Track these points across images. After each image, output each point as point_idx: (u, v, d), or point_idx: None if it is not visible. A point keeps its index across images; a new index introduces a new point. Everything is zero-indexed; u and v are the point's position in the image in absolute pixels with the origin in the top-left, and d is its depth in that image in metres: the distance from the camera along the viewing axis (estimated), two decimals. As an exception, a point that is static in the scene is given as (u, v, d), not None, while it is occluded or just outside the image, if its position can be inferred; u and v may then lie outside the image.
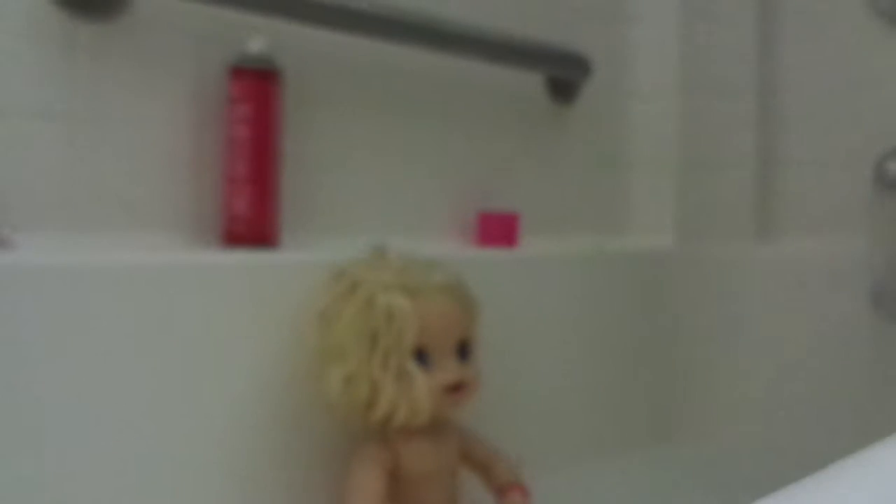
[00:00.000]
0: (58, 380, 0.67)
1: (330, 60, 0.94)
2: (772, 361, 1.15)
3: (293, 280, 0.80)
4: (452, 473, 0.78)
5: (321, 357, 0.75)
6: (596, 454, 1.06)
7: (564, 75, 1.17)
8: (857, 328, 1.08)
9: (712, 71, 1.23)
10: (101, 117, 0.79)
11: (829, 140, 1.15)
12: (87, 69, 0.78)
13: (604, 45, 1.24)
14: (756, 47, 1.19)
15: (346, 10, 0.88)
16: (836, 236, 1.13)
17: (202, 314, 0.75)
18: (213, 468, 0.75)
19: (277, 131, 0.84)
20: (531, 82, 1.16)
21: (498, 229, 1.05)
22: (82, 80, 0.78)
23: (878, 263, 1.06)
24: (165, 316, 0.73)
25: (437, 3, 1.02)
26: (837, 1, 1.14)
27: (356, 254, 0.80)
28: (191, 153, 0.84)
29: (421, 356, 0.73)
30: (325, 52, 0.94)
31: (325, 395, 0.75)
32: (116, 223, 0.80)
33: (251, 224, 0.82)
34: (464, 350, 0.76)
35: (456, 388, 0.74)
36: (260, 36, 0.84)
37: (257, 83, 0.82)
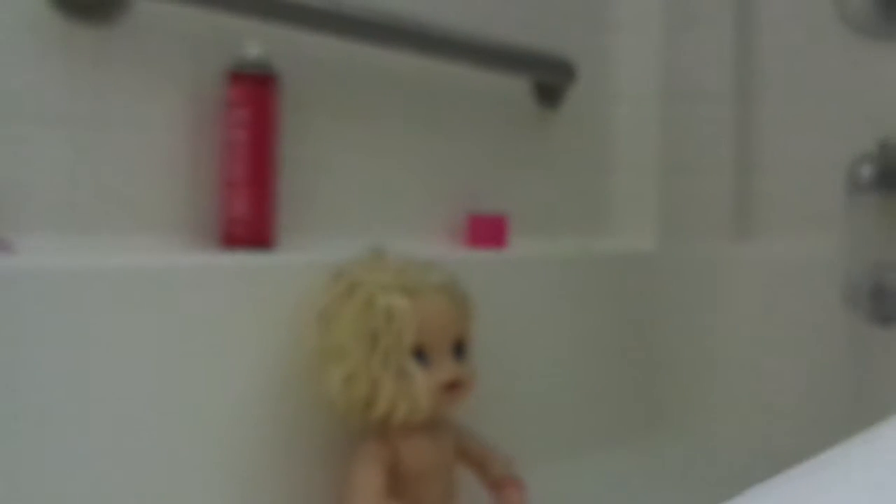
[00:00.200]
0: (58, 381, 0.67)
1: (324, 65, 0.96)
2: (750, 358, 1.19)
3: (291, 281, 0.81)
4: (449, 469, 0.80)
5: (321, 357, 0.77)
6: (581, 450, 1.09)
7: (550, 80, 1.19)
8: (831, 326, 1.12)
9: (693, 77, 1.26)
10: (100, 121, 0.80)
11: (804, 144, 1.19)
12: (87, 73, 0.79)
13: (588, 51, 1.27)
14: (734, 55, 1.23)
15: (340, 15, 0.90)
16: (811, 237, 1.18)
17: (202, 315, 0.76)
18: (213, 468, 0.76)
19: (275, 135, 0.86)
20: (518, 87, 1.18)
21: (487, 231, 1.07)
22: (82, 85, 0.79)
23: (850, 264, 1.10)
24: (165, 317, 0.74)
25: (429, 10, 1.04)
26: (811, 11, 1.18)
27: (352, 255, 0.82)
28: (189, 156, 0.85)
29: (419, 355, 0.75)
30: (319, 57, 0.95)
31: (325, 393, 0.76)
32: (116, 226, 0.81)
33: (250, 226, 0.84)
34: (460, 349, 0.78)
35: (453, 386, 0.76)
36: (257, 41, 0.85)
37: (255, 88, 0.84)
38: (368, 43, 0.95)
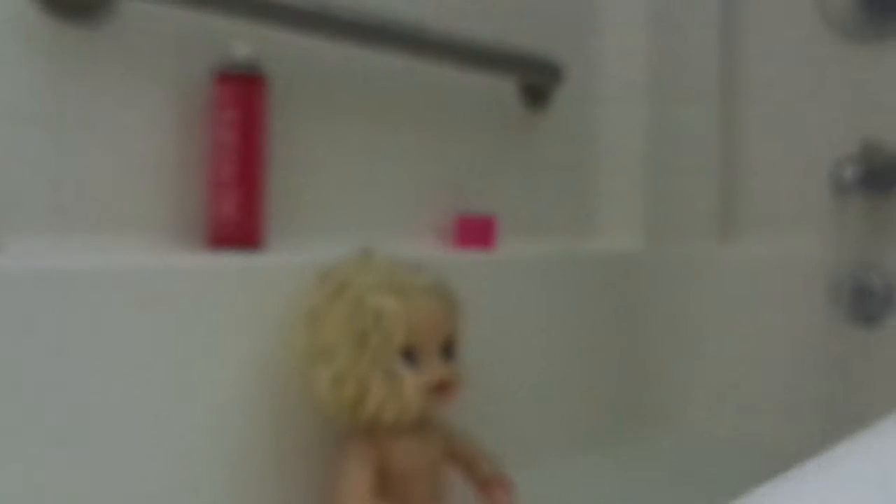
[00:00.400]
0: (46, 382, 0.67)
1: (312, 66, 0.96)
2: (734, 357, 1.20)
3: (280, 281, 0.81)
4: (437, 470, 0.80)
5: (309, 357, 0.77)
6: (568, 448, 1.10)
7: (537, 82, 1.20)
8: (814, 325, 1.13)
9: (678, 79, 1.27)
10: (87, 122, 0.79)
11: (788, 146, 1.20)
12: (73, 74, 0.79)
13: (575, 53, 1.28)
14: (719, 57, 1.24)
15: (327, 16, 0.90)
16: (795, 238, 1.19)
17: (190, 316, 0.76)
18: (201, 468, 0.76)
19: (263, 135, 0.86)
20: (505, 89, 1.19)
21: (475, 231, 1.07)
22: (68, 85, 0.78)
23: (832, 264, 1.11)
24: (154, 318, 0.73)
25: (416, 11, 1.04)
26: (794, 14, 1.19)
27: (341, 256, 0.82)
28: (176, 157, 0.85)
29: (408, 356, 0.75)
30: (306, 58, 0.95)
31: (314, 394, 0.76)
32: (103, 227, 0.81)
33: (238, 227, 0.84)
34: (449, 349, 0.79)
35: (442, 387, 0.76)
36: (245, 41, 0.85)
37: (243, 88, 0.84)
38: (355, 44, 0.95)
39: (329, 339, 0.75)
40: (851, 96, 1.14)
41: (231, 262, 0.80)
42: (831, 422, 1.09)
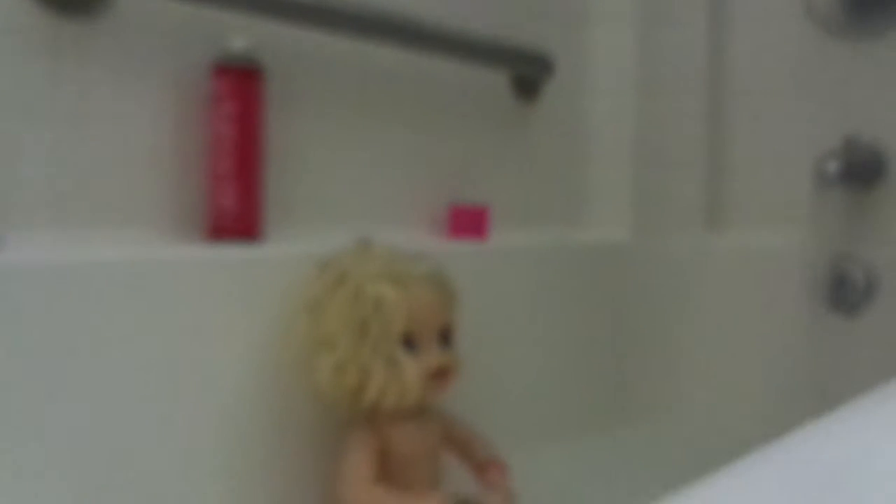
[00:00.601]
0: (47, 375, 0.68)
1: (308, 59, 0.97)
2: (719, 345, 1.23)
3: (279, 272, 0.83)
4: (436, 455, 0.82)
5: (311, 347, 0.78)
6: (557, 433, 1.12)
7: (528, 74, 1.22)
8: (797, 314, 1.16)
9: (666, 73, 1.30)
10: (85, 115, 0.80)
11: (774, 139, 1.23)
12: (71, 67, 0.79)
13: (565, 45, 1.30)
14: (707, 52, 1.27)
15: (323, 9, 0.91)
16: (780, 230, 1.22)
17: (192, 307, 0.77)
18: (202, 457, 0.77)
19: (261, 128, 0.87)
20: (498, 81, 1.20)
21: (469, 222, 1.09)
22: (66, 79, 0.79)
23: (815, 255, 1.14)
24: (155, 309, 0.74)
25: (411, 5, 1.05)
26: (780, 11, 1.22)
27: (339, 246, 0.84)
28: (174, 149, 0.86)
29: (408, 343, 0.77)
30: (302, 51, 0.96)
31: (315, 383, 0.78)
32: (103, 219, 0.81)
33: (237, 218, 0.85)
34: (446, 337, 0.81)
35: (440, 373, 0.78)
36: (242, 34, 0.86)
37: (241, 81, 0.84)
38: (351, 36, 0.96)
39: (330, 328, 0.76)
40: (835, 92, 1.17)
41: (230, 253, 0.82)
42: (813, 408, 1.12)
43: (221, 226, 0.85)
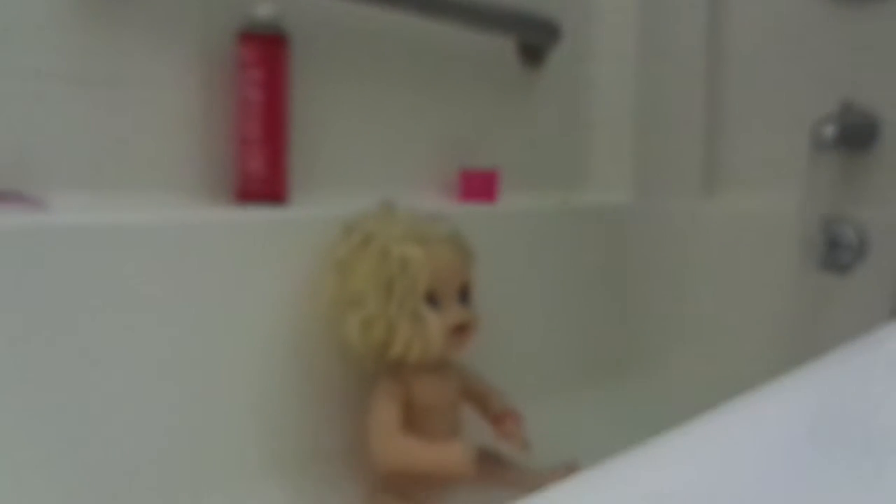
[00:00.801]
0: (88, 331, 0.71)
1: (330, 27, 0.99)
2: (716, 303, 1.29)
3: (306, 234, 0.86)
4: (455, 406, 0.87)
5: (339, 304, 0.82)
6: (565, 385, 1.18)
7: (535, 40, 1.24)
8: (791, 273, 1.21)
9: (666, 39, 1.33)
10: (117, 80, 0.83)
11: (771, 104, 1.27)
12: (105, 35, 0.81)
13: (569, 12, 1.32)
14: (706, 18, 1.30)
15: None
16: (776, 192, 1.26)
17: (224, 267, 0.81)
18: (236, 411, 0.81)
19: (287, 94, 0.89)
20: (505, 48, 1.23)
21: (479, 185, 1.13)
22: (99, 46, 0.81)
23: (810, 217, 1.19)
24: (187, 270, 0.78)
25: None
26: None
27: (361, 209, 0.87)
28: (203, 114, 0.89)
29: (431, 300, 0.81)
30: (324, 19, 0.99)
31: (344, 338, 0.82)
32: (137, 183, 0.85)
33: (265, 182, 0.88)
34: (465, 294, 0.85)
35: (461, 329, 0.83)
36: (267, 2, 0.88)
37: (268, 48, 0.87)
38: (368, 3, 0.99)
39: (358, 286, 0.80)
40: (832, 57, 1.20)
41: (259, 216, 0.85)
42: (802, 359, 1.18)
43: (249, 189, 0.88)
